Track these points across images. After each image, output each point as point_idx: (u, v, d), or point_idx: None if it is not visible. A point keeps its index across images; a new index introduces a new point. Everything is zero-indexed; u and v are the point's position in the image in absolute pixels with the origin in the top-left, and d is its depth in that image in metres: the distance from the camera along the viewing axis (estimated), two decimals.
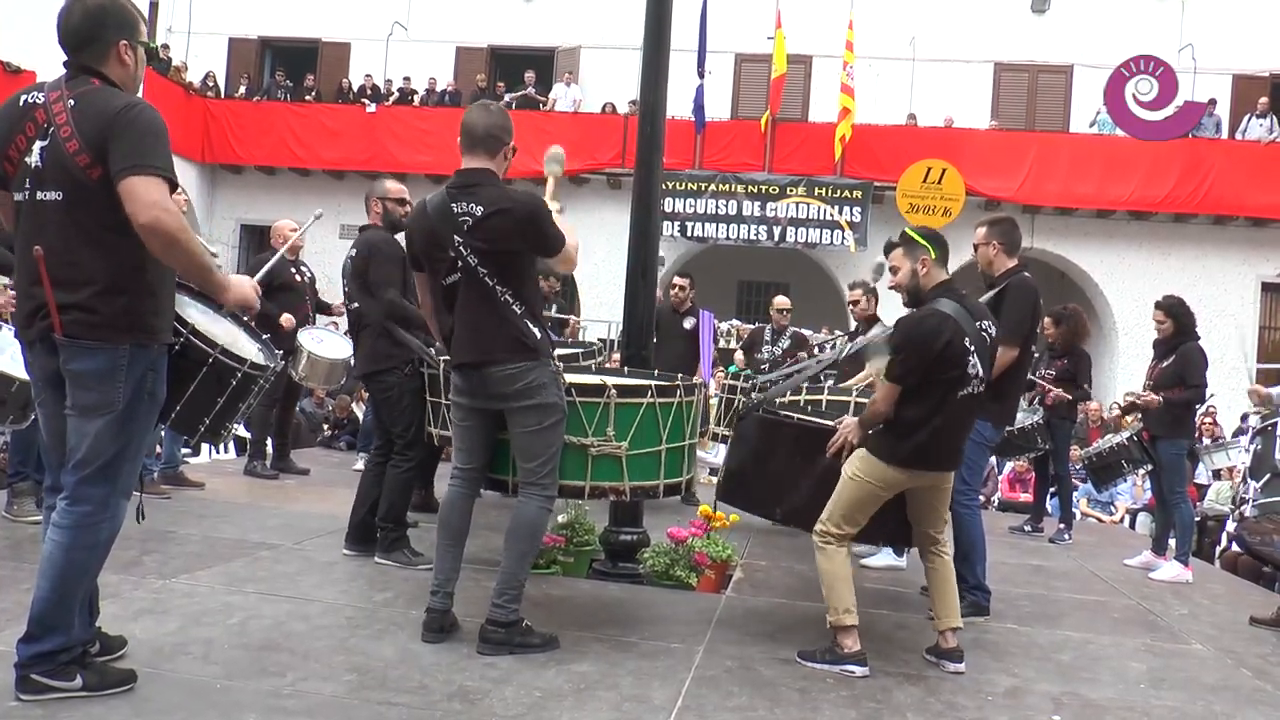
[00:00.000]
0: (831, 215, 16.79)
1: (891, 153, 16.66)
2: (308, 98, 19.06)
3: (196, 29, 20.03)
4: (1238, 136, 17.06)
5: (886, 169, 16.61)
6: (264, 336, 4.13)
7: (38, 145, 2.90)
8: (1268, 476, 3.54)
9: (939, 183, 16.22)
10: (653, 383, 4.25)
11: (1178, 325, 6.88)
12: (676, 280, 8.81)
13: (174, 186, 2.91)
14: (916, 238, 4.18)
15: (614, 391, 4.06)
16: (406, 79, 18.93)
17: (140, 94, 3.05)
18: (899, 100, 17.95)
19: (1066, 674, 4.28)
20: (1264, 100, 17.02)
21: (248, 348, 3.87)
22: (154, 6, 19.00)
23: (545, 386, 3.81)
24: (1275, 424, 3.65)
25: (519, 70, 19.06)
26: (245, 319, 4.08)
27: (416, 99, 18.74)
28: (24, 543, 5.04)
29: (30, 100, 2.95)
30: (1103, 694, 4.03)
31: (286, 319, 7.39)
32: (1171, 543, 6.88)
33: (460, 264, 3.78)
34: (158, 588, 4.38)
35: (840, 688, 3.80)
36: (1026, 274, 5.23)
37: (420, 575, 4.91)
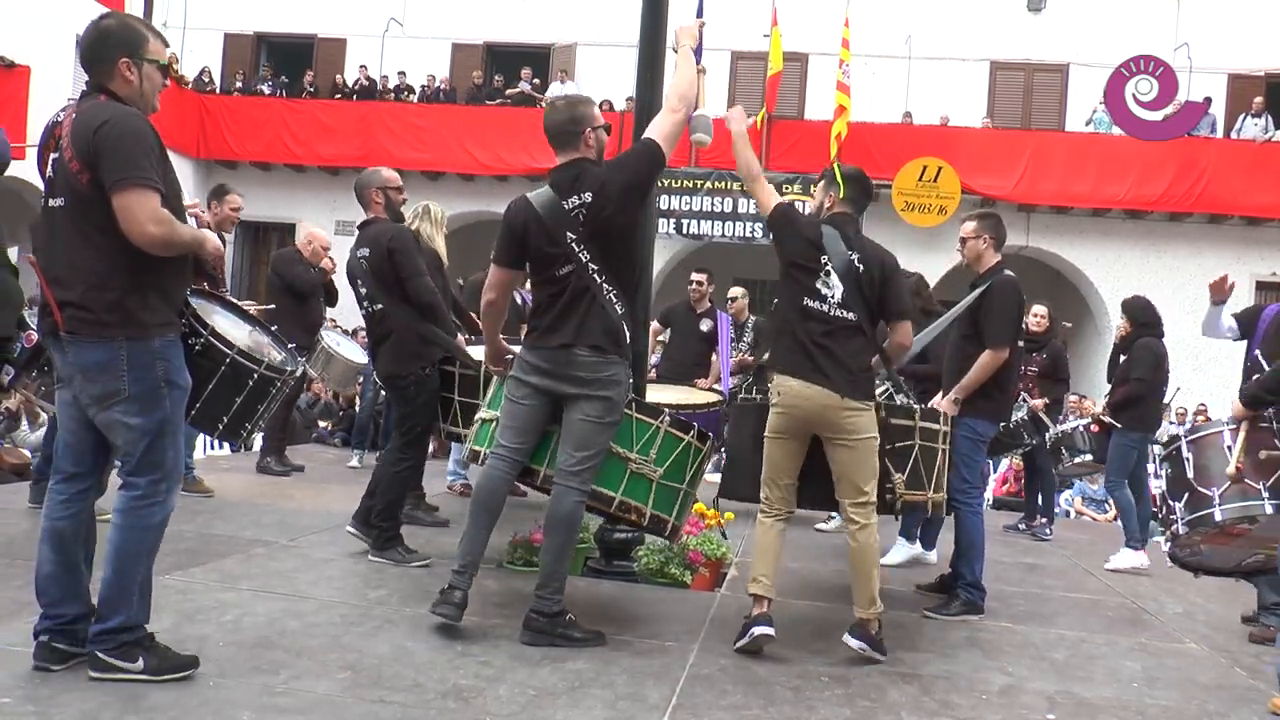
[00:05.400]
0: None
1: (887, 151, 16.65)
2: (306, 93, 19.01)
3: (192, 24, 19.96)
4: (1233, 135, 17.08)
5: (882, 167, 16.58)
6: (290, 346, 4.26)
7: (52, 157, 3.16)
8: (1187, 495, 3.64)
9: (934, 181, 16.23)
10: (696, 426, 4.37)
11: (1134, 324, 7.15)
12: (695, 276, 8.67)
13: (161, 193, 3.06)
14: (837, 176, 4.47)
15: (667, 419, 4.21)
16: (401, 73, 18.89)
17: (154, 108, 3.25)
18: (895, 98, 17.94)
19: (1061, 672, 4.28)
20: (1259, 99, 17.05)
21: (270, 353, 4.03)
22: (149, 1, 18.93)
23: (620, 384, 3.95)
24: (1178, 447, 3.76)
25: (515, 67, 19.03)
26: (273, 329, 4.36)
27: (413, 96, 18.70)
28: (17, 539, 5.03)
29: (56, 118, 3.21)
30: (1097, 693, 4.03)
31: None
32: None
33: (573, 259, 3.89)
34: (158, 581, 4.35)
35: (835, 686, 3.80)
36: (1009, 272, 5.23)
37: (415, 573, 4.91)
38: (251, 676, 3.35)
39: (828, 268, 4.19)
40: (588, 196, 3.87)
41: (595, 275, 3.87)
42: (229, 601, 4.20)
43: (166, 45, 3.33)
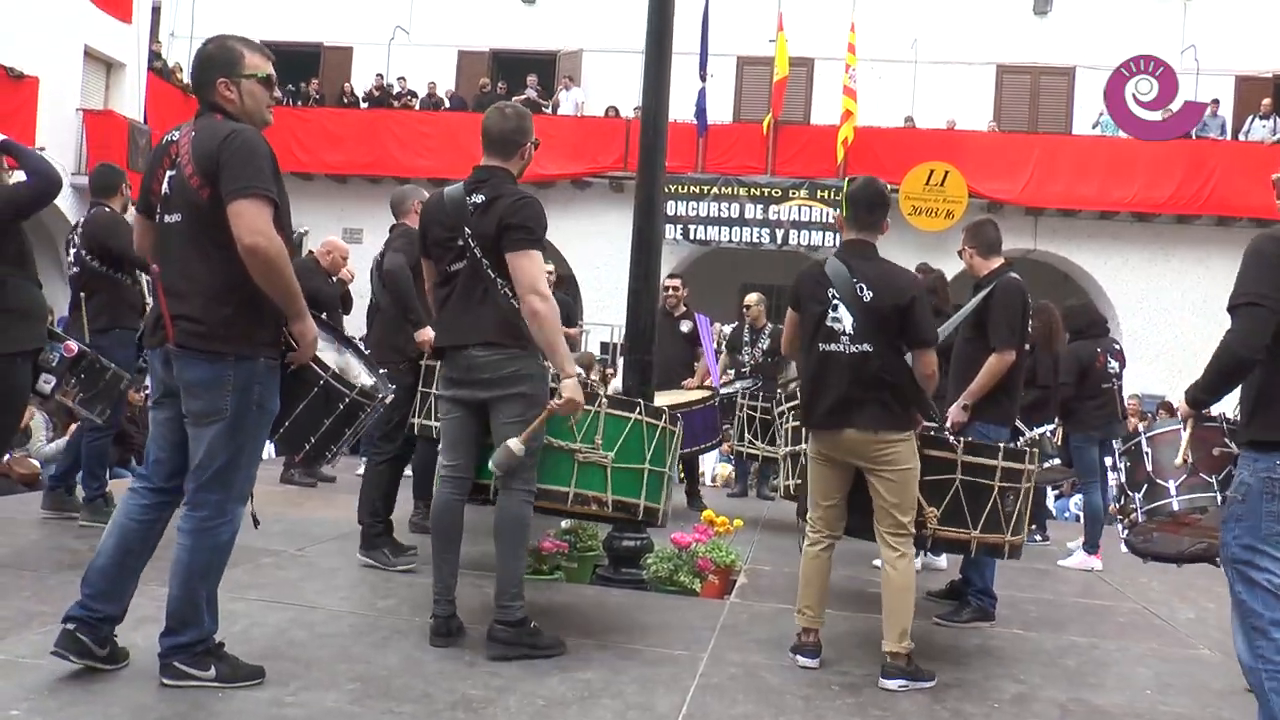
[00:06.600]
0: (834, 218, 16.78)
1: (894, 155, 16.63)
2: (312, 101, 19.05)
3: (199, 33, 19.96)
4: (1241, 137, 17.03)
5: (889, 171, 16.52)
6: (381, 371, 4.27)
7: (168, 174, 3.25)
8: (1146, 486, 3.72)
9: (941, 185, 16.21)
10: (641, 402, 4.35)
11: (1069, 331, 7.36)
12: (668, 282, 8.69)
13: (276, 205, 3.14)
14: (844, 199, 4.25)
15: (605, 401, 4.16)
16: (401, 79, 18.92)
17: (265, 121, 3.33)
18: (901, 102, 17.93)
19: (1073, 680, 4.25)
20: (1267, 101, 16.99)
21: (363, 378, 4.01)
22: (156, 10, 19.01)
23: (531, 378, 3.86)
24: (1139, 442, 3.81)
25: (521, 74, 19.06)
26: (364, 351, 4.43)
27: (417, 103, 18.75)
28: (26, 550, 5.03)
29: (170, 138, 3.32)
30: (1110, 700, 4.00)
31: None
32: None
33: (467, 253, 3.89)
34: (160, 595, 4.31)
35: (845, 695, 3.78)
36: (1013, 274, 5.16)
37: (422, 581, 4.88)
38: (260, 687, 3.34)
39: (834, 301, 4.05)
40: (480, 199, 3.88)
41: (488, 271, 3.85)
42: (238, 612, 4.18)
43: (268, 58, 3.36)
